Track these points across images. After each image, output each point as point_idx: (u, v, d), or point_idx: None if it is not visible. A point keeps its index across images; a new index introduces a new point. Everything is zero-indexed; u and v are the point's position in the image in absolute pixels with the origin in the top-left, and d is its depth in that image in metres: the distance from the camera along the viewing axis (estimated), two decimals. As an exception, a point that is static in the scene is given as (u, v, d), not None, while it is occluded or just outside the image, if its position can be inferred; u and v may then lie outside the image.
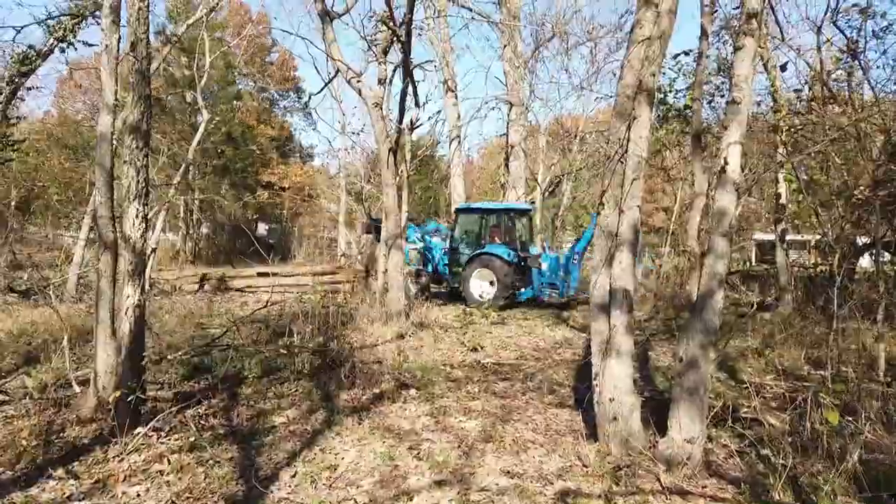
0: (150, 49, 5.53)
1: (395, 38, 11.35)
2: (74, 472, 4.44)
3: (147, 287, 6.85)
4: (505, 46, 22.66)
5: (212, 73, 22.65)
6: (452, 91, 24.17)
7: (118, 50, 5.60)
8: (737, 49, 4.98)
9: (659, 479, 4.64)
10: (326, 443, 5.42)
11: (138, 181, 5.29)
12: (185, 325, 9.84)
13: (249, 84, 40.35)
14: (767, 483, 4.62)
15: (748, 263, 27.33)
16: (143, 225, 5.37)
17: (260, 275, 16.85)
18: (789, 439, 5.21)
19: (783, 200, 14.24)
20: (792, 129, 11.69)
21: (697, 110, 7.17)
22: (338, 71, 12.29)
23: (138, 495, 4.16)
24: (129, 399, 4.92)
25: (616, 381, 5.23)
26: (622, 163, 5.42)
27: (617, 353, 5.26)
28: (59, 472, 4.44)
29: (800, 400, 5.79)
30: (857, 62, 10.49)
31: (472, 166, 48.31)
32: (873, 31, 10.17)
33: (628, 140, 5.35)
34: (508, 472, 4.89)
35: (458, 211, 16.61)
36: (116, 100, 5.60)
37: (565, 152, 25.28)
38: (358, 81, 11.43)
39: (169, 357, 6.91)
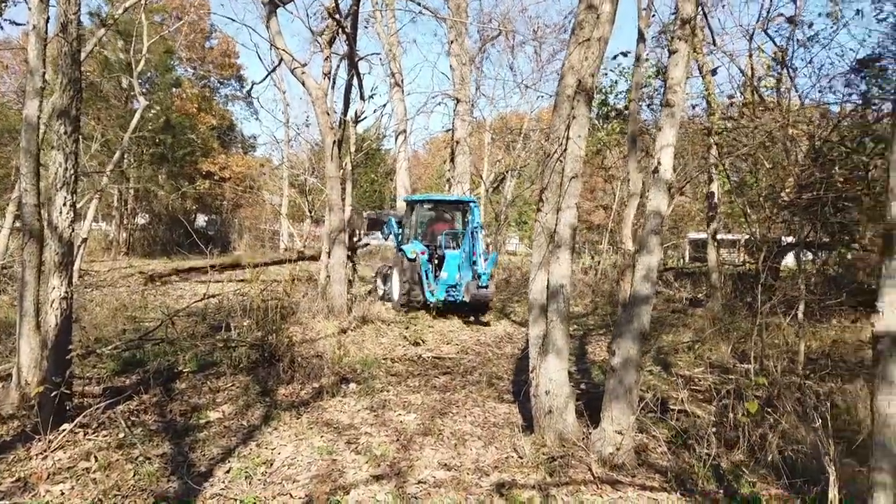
0: (81, 31, 5.31)
1: (340, 30, 11.23)
2: (-7, 470, 4.25)
3: (76, 279, 6.57)
4: (452, 42, 22.70)
5: (149, 59, 21.81)
6: (399, 85, 24.06)
7: (47, 31, 5.36)
8: (671, 53, 5.15)
9: (591, 470, 4.77)
10: (263, 438, 5.35)
11: (66, 168, 5.09)
12: (117, 319, 9.50)
13: (189, 71, 39.16)
14: (693, 472, 4.82)
15: (682, 261, 28.32)
16: (72, 214, 5.17)
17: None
18: (714, 430, 5.44)
19: (715, 201, 14.80)
20: (725, 133, 12.17)
21: (634, 112, 7.38)
22: (281, 60, 12.08)
23: (62, 493, 4.01)
24: (53, 394, 4.73)
25: (552, 374, 5.35)
26: (561, 161, 5.54)
27: (553, 348, 5.37)
28: (-23, 471, 4.24)
29: (724, 392, 6.06)
30: (785, 70, 11.01)
31: (417, 160, 48.26)
32: (800, 40, 10.69)
33: (567, 139, 5.47)
34: (446, 464, 4.95)
35: (409, 203, 14.43)
36: (45, 83, 5.36)
37: (510, 149, 25.55)
38: (302, 72, 11.26)
39: (98, 351, 6.66)
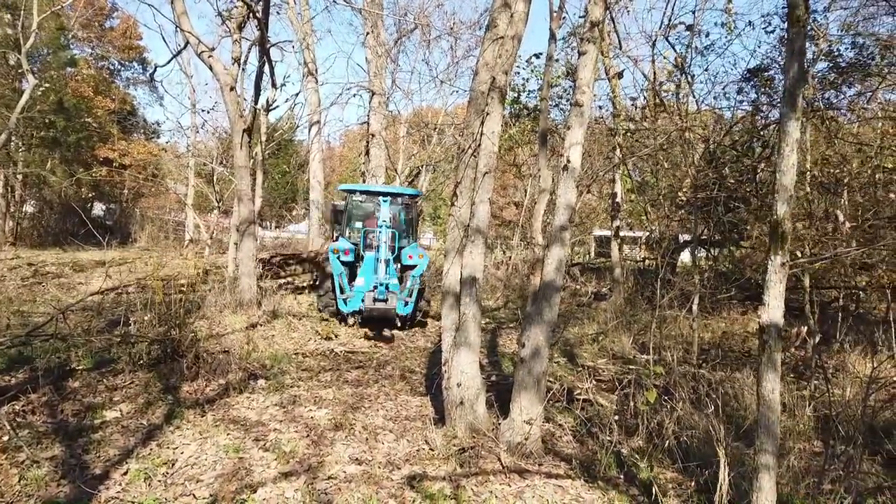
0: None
1: (251, 14, 10.86)
2: None
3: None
4: (367, 34, 22.46)
5: (40, 35, 20.27)
6: (313, 75, 23.56)
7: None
8: (580, 54, 5.33)
9: (500, 460, 4.89)
10: (164, 437, 5.11)
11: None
12: (0, 313, 8.80)
13: (86, 51, 36.67)
14: (597, 459, 5.03)
15: (588, 257, 29.40)
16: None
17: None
18: (615, 418, 5.70)
19: (619, 199, 15.46)
20: (628, 134, 12.71)
21: (545, 110, 7.58)
22: (187, 43, 11.56)
23: (-63, 503, 3.69)
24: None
25: (464, 366, 5.43)
26: (475, 156, 5.62)
27: (465, 341, 5.45)
28: None
29: (626, 382, 6.35)
30: (684, 76, 11.63)
31: (331, 153, 47.50)
32: (697, 48, 11.33)
33: (481, 135, 5.54)
34: (357, 459, 4.92)
35: (345, 193, 12.79)
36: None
37: (425, 144, 25.62)
38: (210, 57, 10.81)
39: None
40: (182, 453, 4.84)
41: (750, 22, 12.82)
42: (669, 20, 11.10)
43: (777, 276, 3.51)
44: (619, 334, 10.61)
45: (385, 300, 9.91)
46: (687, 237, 16.51)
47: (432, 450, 5.11)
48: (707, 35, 15.47)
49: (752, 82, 13.84)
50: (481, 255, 5.52)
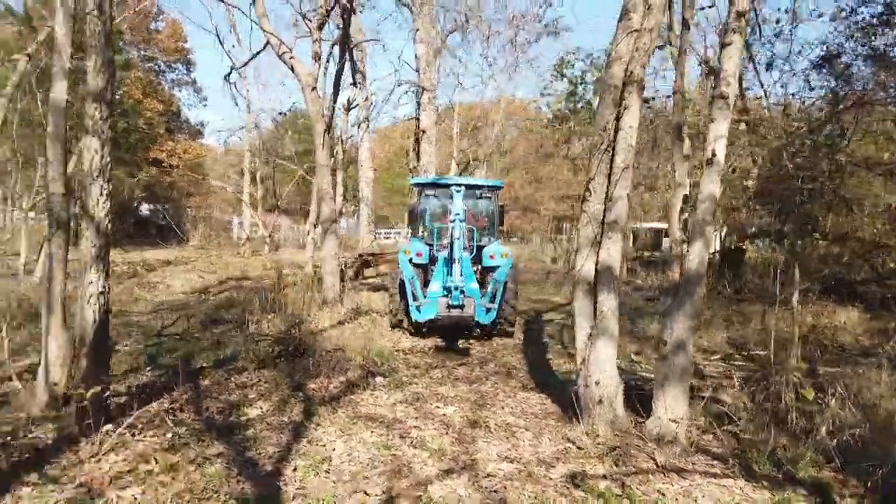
0: (113, 9, 4.97)
1: (341, 13, 10.86)
2: (51, 476, 3.95)
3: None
4: (418, 30, 22.46)
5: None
6: (361, 73, 23.69)
7: (76, 7, 5.00)
8: (724, 46, 5.22)
9: (654, 459, 4.82)
10: (311, 434, 5.17)
11: (102, 155, 4.76)
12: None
13: (134, 53, 37.41)
14: (748, 457, 4.94)
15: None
16: (108, 204, 4.85)
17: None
18: (747, 416, 5.60)
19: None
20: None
21: (679, 102, 7.39)
22: (267, 44, 11.67)
23: (135, 499, 3.77)
24: (105, 394, 4.44)
25: (602, 364, 5.37)
26: (608, 152, 5.54)
27: (604, 336, 5.40)
28: (33, 477, 3.93)
29: (753, 378, 6.24)
30: (751, 62, 11.37)
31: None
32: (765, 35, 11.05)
33: (616, 129, 5.47)
34: (507, 457, 4.90)
35: (417, 187, 11.66)
36: (74, 62, 5.00)
37: (475, 138, 25.56)
38: (291, 57, 10.91)
39: (119, 347, 6.30)
40: (333, 450, 4.88)
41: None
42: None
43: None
44: (708, 329, 10.42)
45: (461, 306, 8.70)
46: (754, 229, 16.21)
47: (580, 448, 5.06)
48: (777, 21, 15.12)
49: (825, 70, 13.49)
50: (618, 249, 5.46)
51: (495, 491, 4.26)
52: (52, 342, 4.99)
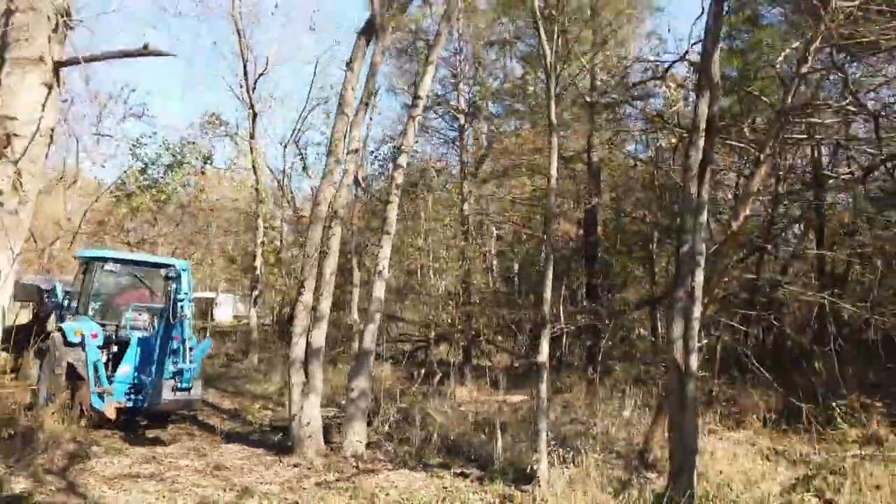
0: None
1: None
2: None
3: None
4: None
5: None
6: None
7: None
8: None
9: (356, 466, 7.52)
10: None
11: None
12: None
13: None
14: (404, 456, 8.02)
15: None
16: None
17: None
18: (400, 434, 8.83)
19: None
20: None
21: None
22: None
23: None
24: None
25: (311, 410, 7.88)
26: (315, 265, 8.18)
27: (312, 393, 7.90)
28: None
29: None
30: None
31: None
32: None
33: (327, 249, 8.18)
34: (265, 482, 6.87)
35: (84, 261, 10.19)
36: None
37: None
38: None
39: None
40: None
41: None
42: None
43: None
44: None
45: (189, 389, 8.09)
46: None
47: (310, 468, 7.35)
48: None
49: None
50: (323, 334, 8.07)
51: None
52: None
